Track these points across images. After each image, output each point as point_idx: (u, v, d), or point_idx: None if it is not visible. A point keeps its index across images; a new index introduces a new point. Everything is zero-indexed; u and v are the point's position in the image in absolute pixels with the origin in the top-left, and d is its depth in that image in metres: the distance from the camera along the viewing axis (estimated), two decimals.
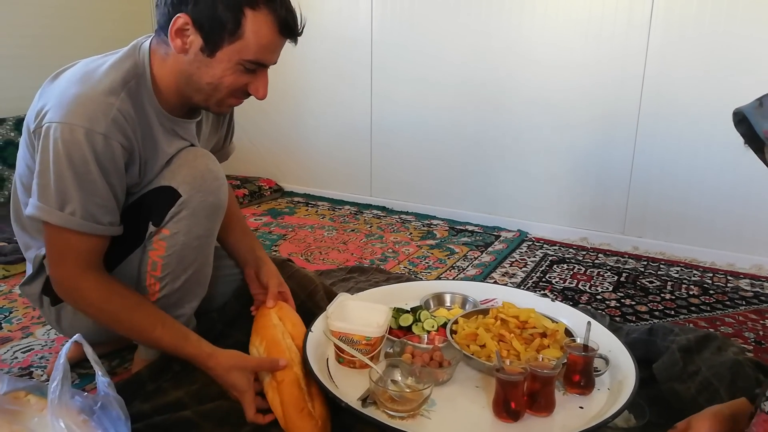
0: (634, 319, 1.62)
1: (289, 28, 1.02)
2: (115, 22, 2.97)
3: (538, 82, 2.29)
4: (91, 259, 1.04)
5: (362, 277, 1.79)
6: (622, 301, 1.75)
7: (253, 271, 1.31)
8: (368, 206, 2.77)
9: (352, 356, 1.13)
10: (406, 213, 2.67)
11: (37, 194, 0.99)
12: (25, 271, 1.25)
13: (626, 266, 2.03)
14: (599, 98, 2.19)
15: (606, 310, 1.66)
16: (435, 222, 2.53)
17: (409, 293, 1.47)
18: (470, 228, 2.45)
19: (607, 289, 1.83)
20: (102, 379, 0.99)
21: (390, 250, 2.18)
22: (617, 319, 1.61)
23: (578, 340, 1.13)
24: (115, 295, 1.06)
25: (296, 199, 2.92)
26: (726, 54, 1.95)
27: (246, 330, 1.24)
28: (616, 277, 1.93)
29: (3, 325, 1.53)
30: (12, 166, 2.46)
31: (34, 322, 1.55)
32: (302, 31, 1.07)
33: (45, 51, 2.68)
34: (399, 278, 1.81)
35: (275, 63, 1.08)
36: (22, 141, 1.09)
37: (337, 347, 1.15)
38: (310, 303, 1.36)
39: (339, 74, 2.73)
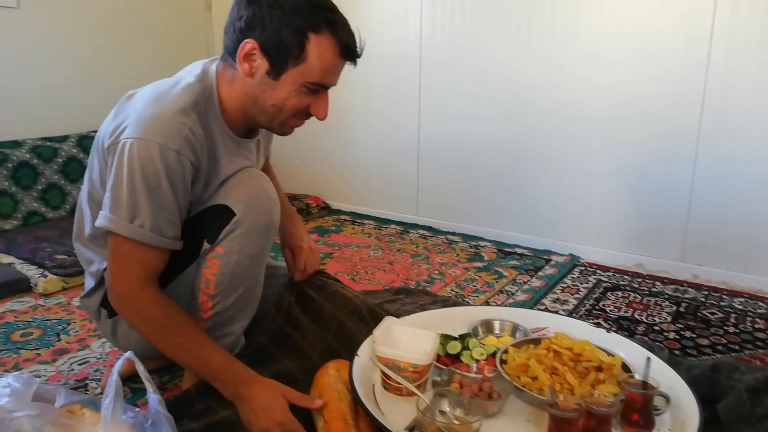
0: (695, 353, 1.54)
1: (350, 50, 1.07)
2: (173, 45, 3.09)
3: (590, 101, 2.23)
4: (151, 272, 1.07)
5: (408, 299, 1.77)
6: (682, 333, 1.66)
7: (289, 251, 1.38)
8: (414, 226, 2.75)
9: (398, 383, 1.11)
10: (453, 233, 2.64)
11: (109, 206, 1.03)
12: (83, 284, 1.30)
13: (685, 296, 1.94)
14: (656, 116, 2.11)
15: (664, 343, 1.58)
16: (482, 243, 2.49)
17: (456, 318, 1.44)
18: (519, 251, 2.40)
19: (666, 319, 1.75)
20: (153, 397, 1.01)
21: (436, 272, 2.15)
22: (677, 352, 1.53)
23: (636, 376, 1.08)
24: (169, 312, 1.08)
25: (343, 217, 2.93)
26: None
27: (292, 355, 1.26)
28: (674, 307, 1.84)
29: (61, 336, 1.59)
30: (74, 181, 2.57)
31: (91, 334, 1.60)
32: (362, 54, 1.11)
33: (106, 72, 2.81)
34: (446, 301, 1.78)
35: (335, 84, 1.12)
36: (93, 158, 1.14)
37: (384, 374, 1.14)
38: (350, 323, 1.35)
39: (387, 93, 2.74)
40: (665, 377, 1.15)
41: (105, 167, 1.08)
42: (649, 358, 1.08)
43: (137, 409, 1.03)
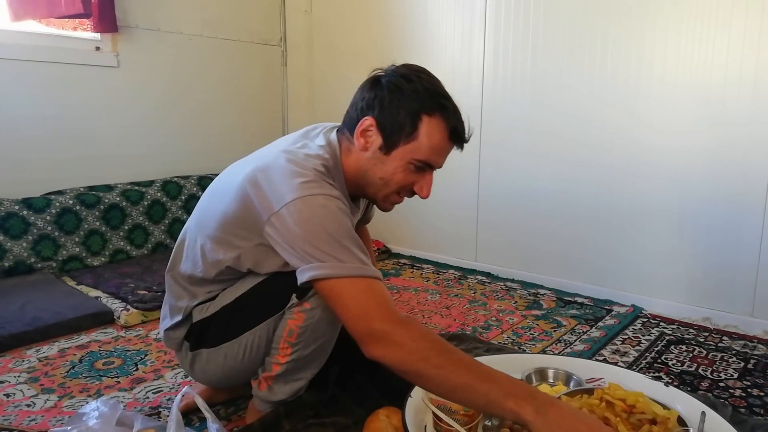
0: (762, 411, 1.47)
1: (458, 135, 1.17)
2: (253, 98, 3.33)
3: (656, 149, 2.22)
4: (392, 307, 1.02)
5: (461, 345, 1.80)
6: (749, 390, 1.59)
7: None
8: (473, 271, 2.78)
9: (450, 427, 1.14)
10: (512, 280, 2.64)
11: (311, 258, 1.03)
12: (158, 318, 1.40)
13: (755, 352, 1.86)
14: (724, 170, 2.07)
15: (729, 400, 1.53)
16: (542, 291, 2.48)
17: (510, 365, 1.44)
18: (579, 300, 2.38)
19: (732, 376, 1.68)
20: (212, 426, 1.10)
21: (493, 318, 2.17)
22: (742, 410, 1.47)
23: (692, 431, 1.06)
24: (448, 348, 0.99)
25: (402, 260, 3.00)
26: None
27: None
28: (742, 364, 1.76)
29: (139, 366, 1.72)
30: (156, 222, 2.79)
31: (165, 365, 1.72)
32: (469, 140, 1.21)
33: (191, 123, 3.06)
34: (501, 350, 1.79)
35: (441, 167, 1.22)
36: (221, 214, 1.19)
37: (435, 416, 1.17)
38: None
39: None
40: None
41: (243, 234, 1.15)
42: (704, 413, 1.06)
43: None
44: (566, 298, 2.39)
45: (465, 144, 1.21)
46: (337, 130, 1.25)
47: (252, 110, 3.36)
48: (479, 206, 2.79)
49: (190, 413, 1.42)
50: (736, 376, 1.69)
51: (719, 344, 1.92)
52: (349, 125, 1.20)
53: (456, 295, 2.44)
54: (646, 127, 2.23)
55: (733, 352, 1.86)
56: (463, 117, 1.19)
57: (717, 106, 2.06)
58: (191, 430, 1.24)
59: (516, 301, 2.36)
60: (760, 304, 2.04)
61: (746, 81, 2.00)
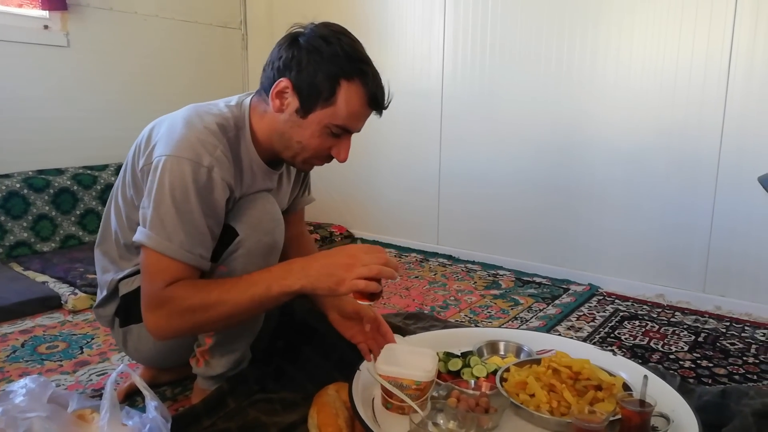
0: (710, 381, 1.50)
1: (376, 101, 1.14)
2: (211, 82, 3.26)
3: (611, 133, 2.24)
4: (168, 285, 1.07)
5: (419, 323, 1.79)
6: (698, 362, 1.62)
7: (336, 314, 1.31)
8: (435, 254, 2.78)
9: (401, 402, 1.12)
10: (473, 262, 2.65)
11: (143, 221, 1.07)
12: None
13: (706, 326, 1.89)
14: (676, 150, 2.11)
15: (679, 371, 1.55)
16: (502, 272, 2.49)
17: (463, 339, 1.45)
18: (538, 280, 2.39)
19: (682, 348, 1.71)
20: (150, 403, 1.06)
21: (452, 298, 2.16)
22: (691, 380, 1.49)
23: (635, 395, 1.07)
24: (211, 286, 1.06)
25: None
26: None
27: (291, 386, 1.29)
28: (693, 337, 1.80)
29: (84, 349, 1.66)
30: None
31: (112, 348, 1.67)
32: (388, 106, 1.17)
33: (147, 105, 2.98)
34: (457, 327, 1.79)
35: (359, 131, 1.18)
36: (125, 175, 1.20)
37: (386, 392, 1.14)
38: (351, 352, 1.35)
39: (410, 127, 2.81)
40: (669, 399, 1.14)
41: (137, 187, 1.15)
42: (646, 376, 1.07)
43: (143, 414, 1.08)
44: (525, 278, 2.40)
45: (384, 110, 1.17)
46: (255, 93, 1.20)
47: (211, 95, 3.24)
48: (440, 190, 2.78)
49: (134, 394, 1.37)
50: (686, 348, 1.71)
51: (671, 319, 1.96)
52: (265, 86, 1.15)
53: (417, 277, 2.43)
54: (603, 109, 2.25)
55: (685, 326, 1.89)
56: (384, 82, 1.15)
57: (669, 88, 2.09)
58: (134, 410, 1.19)
59: (475, 282, 2.36)
60: (712, 280, 2.08)
61: (697, 64, 2.03)
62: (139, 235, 1.07)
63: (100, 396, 1.38)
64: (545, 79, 2.37)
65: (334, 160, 1.18)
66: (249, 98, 1.20)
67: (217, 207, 1.10)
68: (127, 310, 1.22)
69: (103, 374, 1.51)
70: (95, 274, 2.07)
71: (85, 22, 2.72)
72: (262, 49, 3.42)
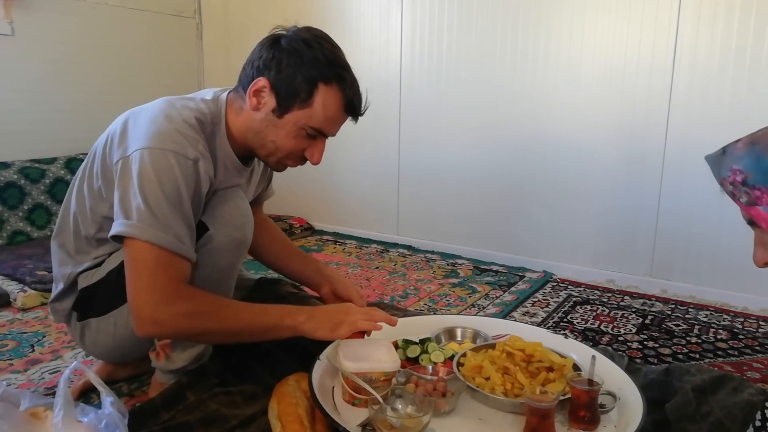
0: (655, 361, 1.58)
1: (353, 107, 1.16)
2: (164, 73, 3.18)
3: (564, 125, 2.31)
4: (178, 278, 1.05)
5: None
6: (645, 343, 1.70)
7: (329, 288, 1.43)
8: (395, 245, 2.80)
9: (368, 395, 1.10)
10: (432, 252, 2.69)
11: (125, 214, 1.03)
12: None
13: (653, 309, 1.98)
14: (625, 141, 2.19)
15: (627, 352, 1.62)
16: (460, 261, 2.54)
17: (422, 327, 1.47)
18: (495, 268, 2.45)
19: (630, 331, 1.79)
20: (107, 399, 1.04)
21: (412, 288, 2.19)
22: (638, 360, 1.56)
23: (584, 374, 1.11)
24: (225, 301, 1.12)
25: (326, 237, 2.98)
26: (750, 97, 1.93)
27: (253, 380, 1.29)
28: (640, 320, 1.88)
29: (35, 348, 1.62)
30: (60, 201, 2.62)
31: (65, 345, 1.63)
32: (364, 113, 1.20)
33: (97, 97, 2.89)
34: (417, 315, 1.81)
35: (334, 135, 1.20)
36: (89, 167, 1.17)
37: (354, 389, 1.13)
38: (311, 344, 1.36)
39: (369, 118, 2.79)
40: (616, 378, 1.19)
41: (106, 179, 1.12)
42: (594, 357, 1.12)
43: (99, 410, 1.07)
44: (483, 267, 2.46)
45: (360, 117, 1.20)
46: (233, 89, 1.21)
47: (164, 85, 3.20)
48: (400, 181, 2.81)
49: (89, 391, 1.35)
50: (634, 330, 1.79)
51: (621, 303, 2.04)
52: (243, 83, 1.16)
53: (377, 268, 2.45)
54: (555, 101, 2.31)
55: (633, 309, 1.98)
56: (362, 90, 1.18)
57: (618, 80, 2.17)
58: (89, 407, 1.17)
59: (435, 271, 2.40)
60: (658, 265, 2.18)
61: (644, 58, 2.11)
62: (127, 228, 1.02)
63: (54, 394, 1.36)
64: (501, 72, 2.42)
65: (308, 162, 1.20)
66: (225, 94, 1.20)
67: (201, 201, 1.11)
68: (85, 303, 1.20)
69: (56, 372, 1.47)
70: (45, 270, 2.02)
71: (30, 9, 2.61)
72: (217, 39, 3.36)
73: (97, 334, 1.21)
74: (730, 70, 1.96)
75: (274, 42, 1.14)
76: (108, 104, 2.91)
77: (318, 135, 1.16)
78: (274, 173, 1.48)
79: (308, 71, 1.09)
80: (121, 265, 1.15)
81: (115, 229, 1.04)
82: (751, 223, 0.82)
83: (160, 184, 1.02)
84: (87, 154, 1.20)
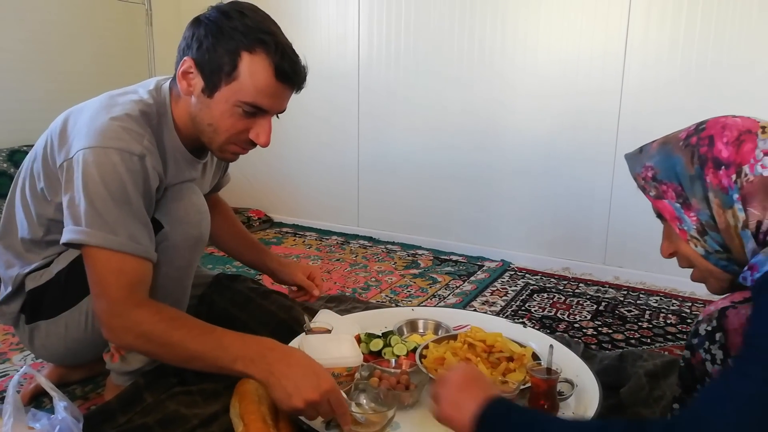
0: (609, 347, 1.63)
1: (284, 73, 1.05)
2: (112, 60, 3.06)
3: (520, 116, 2.35)
4: (135, 283, 1.00)
5: (341, 306, 1.80)
6: (600, 329, 1.76)
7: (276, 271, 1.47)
8: (355, 237, 2.80)
9: None
10: (393, 243, 2.69)
11: (74, 220, 0.98)
12: None
13: (606, 296, 2.05)
14: (579, 131, 2.24)
15: (582, 338, 1.67)
16: (420, 252, 2.56)
17: (384, 319, 1.48)
18: (454, 258, 2.48)
19: (585, 317, 1.84)
20: (59, 403, 1.00)
21: (373, 279, 2.20)
22: (593, 346, 1.61)
23: (543, 363, 1.14)
24: (178, 324, 0.99)
25: (285, 229, 2.95)
26: (698, 91, 2.01)
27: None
28: (595, 306, 1.94)
29: None
30: (3, 195, 2.50)
31: (12, 348, 1.56)
32: (304, 80, 1.10)
33: (42, 86, 2.75)
34: (378, 307, 1.82)
35: (280, 111, 1.11)
36: (30, 168, 1.12)
37: None
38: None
39: (328, 109, 2.80)
40: (573, 366, 1.23)
41: (50, 181, 1.07)
42: (551, 346, 1.15)
43: (52, 416, 1.03)
44: (442, 257, 2.48)
45: (300, 85, 1.10)
46: (172, 78, 1.15)
47: (113, 74, 3.07)
48: (360, 172, 2.80)
49: (40, 395, 1.30)
50: (589, 317, 1.85)
51: (576, 290, 2.10)
52: (176, 68, 1.10)
53: (338, 260, 2.44)
54: (512, 95, 2.34)
55: (588, 296, 2.04)
56: (299, 54, 1.09)
57: (572, 76, 2.22)
58: (41, 412, 1.13)
59: (395, 262, 2.41)
60: (611, 253, 2.25)
61: (596, 57, 2.17)
62: (76, 235, 0.97)
63: (2, 400, 1.30)
64: (458, 64, 2.43)
65: (258, 146, 1.13)
66: (167, 83, 1.14)
67: (152, 198, 1.06)
68: (34, 305, 1.15)
69: (3, 376, 1.41)
70: None
71: None
72: (167, 25, 3.25)
73: (47, 338, 1.16)
74: (678, 60, 2.03)
75: (195, 20, 1.08)
76: (53, 93, 2.78)
77: (258, 111, 1.06)
78: None
79: (228, 42, 1.02)
80: (70, 264, 1.11)
81: (65, 236, 0.99)
82: (659, 216, 0.88)
83: (105, 185, 0.97)
84: (31, 146, 1.14)
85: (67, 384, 1.33)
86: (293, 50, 1.08)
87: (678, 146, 0.83)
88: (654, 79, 2.08)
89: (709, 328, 0.90)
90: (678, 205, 0.82)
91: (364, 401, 1.08)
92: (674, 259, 2.16)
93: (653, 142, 0.89)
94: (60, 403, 1.04)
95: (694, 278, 0.90)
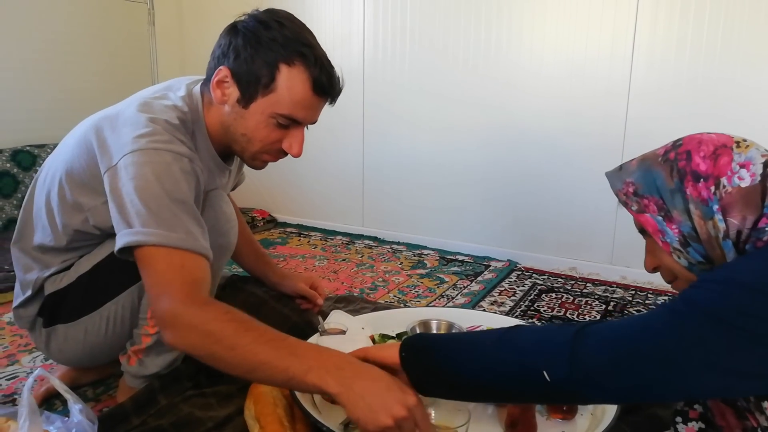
0: None
1: (322, 87, 1.05)
2: (115, 60, 3.04)
3: (527, 116, 2.34)
4: (205, 285, 0.94)
5: (349, 306, 1.80)
6: None
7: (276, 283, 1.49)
8: (360, 236, 2.79)
9: None
10: (398, 243, 2.69)
11: (134, 222, 0.93)
12: (11, 301, 1.25)
13: (614, 295, 2.05)
14: (586, 131, 2.23)
15: None
16: (426, 252, 2.55)
17: (396, 319, 1.47)
18: (461, 258, 2.47)
19: (595, 317, 1.84)
20: (75, 406, 1.00)
21: (380, 279, 2.19)
22: None
23: None
24: (249, 326, 0.90)
25: (289, 229, 2.94)
26: (706, 92, 2.00)
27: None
28: (603, 306, 1.94)
29: None
30: (6, 196, 2.49)
31: (21, 349, 1.55)
32: (339, 93, 1.11)
33: (45, 86, 2.74)
34: (387, 307, 1.81)
35: (313, 122, 1.12)
36: (59, 178, 1.09)
37: None
38: None
39: (332, 109, 2.76)
40: None
41: (89, 190, 1.05)
42: None
43: (66, 419, 1.02)
44: (448, 257, 2.48)
45: (335, 98, 1.12)
46: (203, 83, 1.14)
47: (116, 73, 3.07)
48: (365, 172, 2.79)
49: (52, 398, 1.29)
50: (598, 317, 1.84)
51: (584, 290, 2.10)
52: (208, 76, 1.10)
53: (344, 260, 2.43)
54: (518, 91, 2.34)
55: (596, 296, 2.03)
56: (336, 69, 1.10)
57: (579, 77, 2.21)
58: (54, 414, 1.12)
59: (402, 262, 2.40)
60: (618, 252, 2.25)
61: (603, 57, 2.16)
62: (131, 237, 0.92)
63: (12, 402, 1.30)
64: (465, 65, 2.42)
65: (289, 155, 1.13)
66: (198, 86, 1.13)
67: (201, 201, 1.04)
68: (53, 309, 1.14)
69: (13, 378, 1.40)
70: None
71: None
72: (170, 25, 3.24)
73: (65, 342, 1.15)
74: (686, 65, 2.02)
75: (231, 28, 1.07)
76: (55, 92, 2.77)
77: (291, 123, 1.07)
78: None
79: (267, 53, 1.02)
80: (93, 269, 1.10)
81: (120, 242, 0.93)
82: (642, 231, 0.91)
83: (160, 183, 0.94)
84: (34, 146, 1.13)
85: (78, 386, 1.32)
86: (330, 62, 1.08)
87: (657, 161, 0.86)
88: (661, 79, 2.08)
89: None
90: (660, 218, 0.84)
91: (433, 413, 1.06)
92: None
93: (632, 160, 0.92)
94: (75, 405, 1.03)
95: (678, 289, 0.91)
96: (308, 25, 1.13)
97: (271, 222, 3.01)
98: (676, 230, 0.83)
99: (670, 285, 0.93)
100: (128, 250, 0.94)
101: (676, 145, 0.86)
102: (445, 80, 2.48)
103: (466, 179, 2.52)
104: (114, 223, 0.96)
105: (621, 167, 0.94)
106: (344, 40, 2.68)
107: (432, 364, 0.89)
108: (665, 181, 0.83)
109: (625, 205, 0.91)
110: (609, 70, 2.15)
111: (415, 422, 0.83)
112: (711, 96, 2.00)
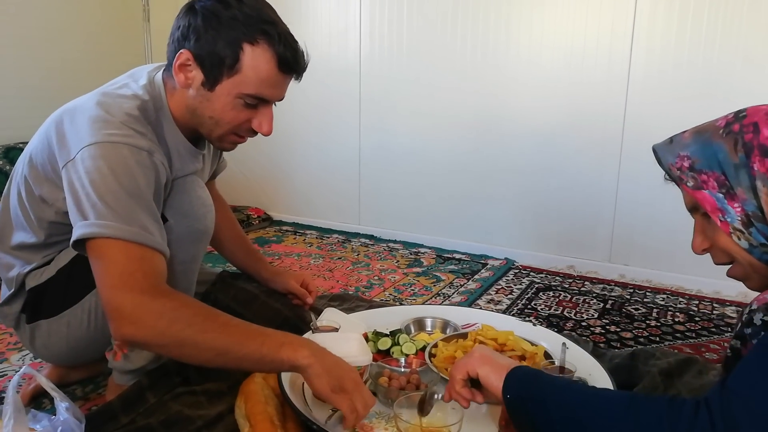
0: (618, 345, 1.61)
1: (287, 64, 1.04)
2: (110, 57, 3.02)
3: (524, 113, 2.32)
4: (154, 274, 0.93)
5: (344, 305, 1.77)
6: (607, 327, 1.73)
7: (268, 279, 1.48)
8: (356, 235, 2.77)
9: None
10: (394, 241, 2.67)
11: (89, 214, 0.92)
12: None
13: (612, 294, 2.02)
14: (584, 128, 2.21)
15: (590, 337, 1.65)
16: (422, 250, 2.53)
17: (391, 318, 1.46)
18: (457, 256, 2.45)
19: (593, 316, 1.82)
20: (61, 404, 0.98)
21: (376, 278, 2.17)
22: (601, 345, 1.59)
23: (556, 362, 1.12)
24: (216, 312, 0.94)
25: (285, 227, 2.92)
26: (706, 84, 1.98)
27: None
28: (601, 305, 1.92)
29: None
30: None
31: (10, 347, 1.53)
32: (305, 68, 1.09)
33: (37, 83, 2.72)
34: (382, 306, 1.79)
35: (280, 99, 1.10)
36: (25, 173, 1.08)
37: None
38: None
39: (328, 106, 2.77)
40: (585, 364, 1.20)
41: (50, 184, 1.04)
42: (564, 344, 1.13)
43: (53, 417, 1.00)
44: (445, 255, 2.46)
45: (301, 73, 1.09)
46: (165, 68, 1.11)
47: (111, 71, 2.99)
48: (361, 169, 2.77)
49: (40, 396, 1.27)
50: (596, 315, 1.82)
51: (581, 289, 2.08)
52: (170, 60, 1.06)
53: (339, 258, 2.41)
54: (516, 87, 2.31)
55: (594, 294, 2.01)
56: (300, 43, 1.07)
57: (577, 69, 2.19)
58: (41, 413, 1.10)
59: (398, 260, 2.38)
60: (616, 251, 2.23)
61: (602, 48, 2.14)
62: (86, 229, 0.91)
63: (1, 401, 1.27)
64: (462, 59, 2.40)
65: (258, 135, 1.11)
66: (160, 73, 1.10)
67: (161, 194, 1.02)
68: (35, 304, 1.12)
69: (1, 377, 1.38)
70: None
71: None
72: (165, 21, 3.20)
73: (49, 337, 1.13)
74: (685, 57, 2.00)
75: (189, 8, 1.04)
76: (49, 90, 2.74)
77: (259, 102, 1.05)
78: (225, 161, 1.43)
79: (228, 33, 0.99)
80: (73, 261, 1.07)
81: (75, 233, 0.92)
82: (694, 209, 0.84)
83: (115, 177, 0.93)
84: (25, 143, 1.11)
85: (67, 384, 1.30)
86: (293, 38, 1.06)
87: (717, 134, 0.78)
88: (660, 73, 2.05)
89: (767, 318, 0.84)
90: (721, 195, 0.77)
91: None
92: (681, 256, 2.13)
93: (684, 132, 0.85)
94: (61, 403, 1.01)
95: (733, 274, 0.85)
96: (304, 20, 1.10)
97: (267, 220, 2.99)
98: (739, 209, 0.76)
99: (719, 266, 0.86)
100: (82, 243, 0.93)
101: (739, 116, 0.78)
102: (441, 75, 2.46)
103: (462, 176, 2.50)
104: (71, 216, 0.95)
105: (671, 140, 0.86)
106: (340, 35, 2.66)
107: (542, 419, 0.80)
108: (728, 155, 0.76)
109: (679, 180, 0.83)
110: (607, 65, 2.13)
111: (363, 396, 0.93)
112: (711, 90, 1.97)
